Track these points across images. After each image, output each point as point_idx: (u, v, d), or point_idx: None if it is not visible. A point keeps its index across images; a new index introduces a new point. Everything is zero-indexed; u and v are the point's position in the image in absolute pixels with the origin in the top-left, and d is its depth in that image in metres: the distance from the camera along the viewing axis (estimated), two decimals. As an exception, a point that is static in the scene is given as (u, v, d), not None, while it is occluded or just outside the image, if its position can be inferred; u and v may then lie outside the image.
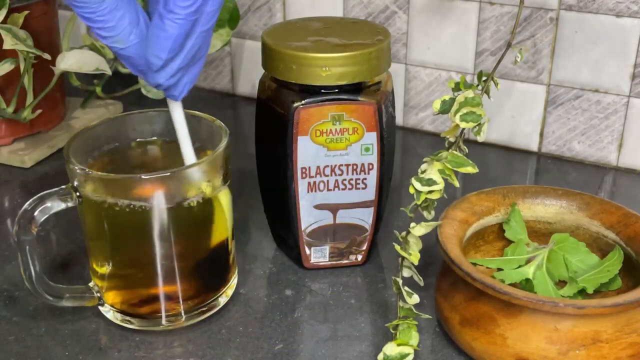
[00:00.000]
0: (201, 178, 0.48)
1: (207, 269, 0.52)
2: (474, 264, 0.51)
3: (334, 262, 0.57)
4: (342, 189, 0.53)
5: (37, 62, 0.68)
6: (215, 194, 0.49)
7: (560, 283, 0.52)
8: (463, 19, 0.72)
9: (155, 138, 0.54)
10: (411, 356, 0.47)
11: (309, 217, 0.54)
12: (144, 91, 0.81)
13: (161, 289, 0.50)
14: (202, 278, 0.51)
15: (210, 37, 0.45)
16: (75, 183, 0.47)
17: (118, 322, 0.51)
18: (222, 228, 0.51)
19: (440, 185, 0.48)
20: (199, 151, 0.51)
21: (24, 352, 0.49)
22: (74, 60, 0.68)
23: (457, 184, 0.48)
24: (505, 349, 0.45)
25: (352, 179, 0.53)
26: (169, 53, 0.43)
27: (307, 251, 0.56)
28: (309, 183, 0.53)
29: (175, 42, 0.42)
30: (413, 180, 0.48)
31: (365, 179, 0.53)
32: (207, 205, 0.49)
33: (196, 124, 0.52)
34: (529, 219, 0.55)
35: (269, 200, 0.58)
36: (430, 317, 0.50)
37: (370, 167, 0.53)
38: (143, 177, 0.47)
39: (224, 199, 0.51)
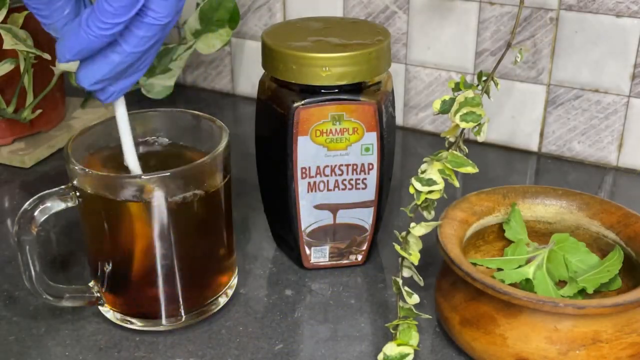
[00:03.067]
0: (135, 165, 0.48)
1: (207, 269, 0.52)
2: (474, 264, 0.51)
3: (334, 262, 0.57)
4: (342, 189, 0.53)
5: (37, 62, 0.68)
6: (215, 193, 0.49)
7: (560, 283, 0.52)
8: (463, 19, 0.72)
9: (155, 138, 0.54)
10: (411, 356, 0.47)
11: (309, 217, 0.54)
12: (144, 91, 0.81)
13: (161, 289, 0.50)
14: (202, 278, 0.51)
15: (151, 58, 0.45)
16: (75, 183, 0.48)
17: (118, 322, 0.51)
18: (222, 227, 0.51)
19: (440, 185, 0.48)
20: (199, 151, 0.51)
21: (24, 352, 0.49)
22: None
23: (457, 184, 0.48)
24: (505, 349, 0.45)
25: (352, 179, 0.53)
26: (74, 56, 0.42)
27: (307, 251, 0.56)
28: (309, 183, 0.53)
29: (82, 52, 0.42)
30: (413, 180, 0.48)
31: (365, 179, 0.53)
32: (207, 205, 0.49)
33: (196, 124, 0.53)
34: (529, 219, 0.55)
35: (269, 200, 0.58)
36: (430, 317, 0.50)
37: (370, 167, 0.53)
38: (143, 177, 0.47)
39: (224, 198, 0.51)
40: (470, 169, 0.48)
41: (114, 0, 0.40)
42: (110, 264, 0.50)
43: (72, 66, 0.68)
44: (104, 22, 0.41)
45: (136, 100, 0.81)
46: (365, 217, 0.55)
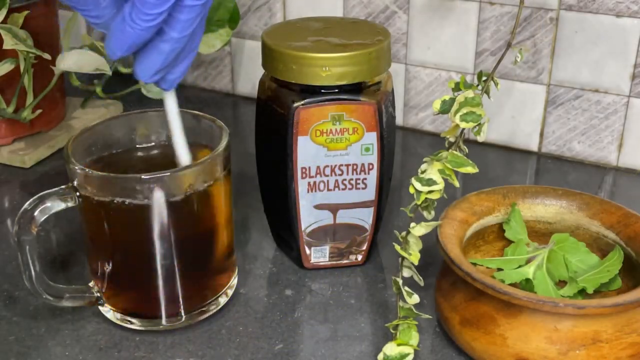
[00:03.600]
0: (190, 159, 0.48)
1: (206, 269, 0.52)
2: (474, 264, 0.51)
3: (334, 262, 0.57)
4: (342, 189, 0.53)
5: (37, 62, 0.68)
6: (215, 193, 0.49)
7: (560, 283, 0.52)
8: (463, 19, 0.72)
9: (155, 137, 0.54)
10: (411, 356, 0.47)
11: (309, 217, 0.54)
12: (144, 91, 0.81)
13: (161, 289, 0.50)
14: (202, 277, 0.51)
15: (200, 37, 0.45)
16: (75, 183, 0.48)
17: (118, 322, 0.51)
18: (222, 228, 0.51)
19: (440, 185, 0.48)
20: (196, 147, 0.51)
21: (24, 352, 0.49)
22: (73, 60, 0.68)
23: (457, 184, 0.48)
24: (505, 349, 0.45)
25: (352, 179, 0.53)
26: (125, 52, 0.43)
27: (307, 251, 0.56)
28: (309, 183, 0.53)
29: (132, 46, 0.43)
30: (413, 180, 0.48)
31: (365, 179, 0.53)
32: (207, 205, 0.49)
33: (196, 124, 0.53)
34: (529, 219, 0.55)
35: (269, 200, 0.58)
36: (430, 317, 0.50)
37: (370, 167, 0.53)
38: (143, 177, 0.47)
39: (224, 198, 0.51)
40: (470, 169, 0.48)
41: None
42: (110, 264, 0.50)
43: (72, 66, 0.68)
44: (147, 14, 0.41)
45: (136, 100, 0.81)
46: (365, 217, 0.55)
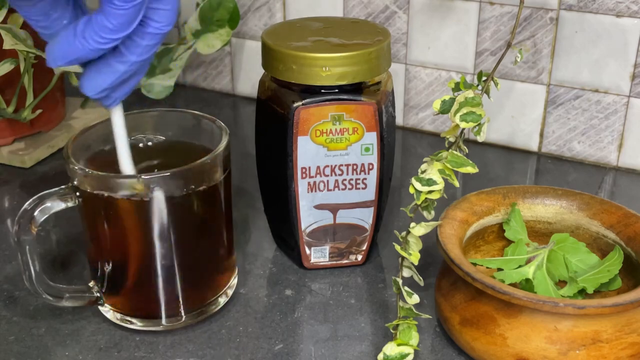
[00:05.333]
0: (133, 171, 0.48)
1: (206, 269, 0.52)
2: (474, 264, 0.51)
3: (334, 262, 0.57)
4: (342, 189, 0.53)
5: (37, 62, 0.68)
6: (215, 193, 0.49)
7: (560, 283, 0.52)
8: (463, 19, 0.72)
9: (155, 137, 0.54)
10: (411, 356, 0.47)
11: (309, 217, 0.54)
12: (144, 91, 0.81)
13: (161, 289, 0.50)
14: (202, 277, 0.51)
15: (150, 61, 0.44)
16: (75, 183, 0.48)
17: (118, 322, 0.51)
18: (222, 228, 0.51)
19: (440, 185, 0.48)
20: (199, 151, 0.51)
21: (24, 352, 0.49)
22: (73, 60, 0.68)
23: (457, 184, 0.48)
24: (505, 349, 0.45)
25: (352, 179, 0.53)
26: (67, 64, 0.42)
27: (307, 251, 0.56)
28: (309, 183, 0.53)
29: (77, 60, 0.42)
30: (413, 180, 0.48)
31: (365, 179, 0.53)
32: (207, 205, 0.49)
33: (196, 124, 0.53)
34: (529, 219, 0.55)
35: (269, 200, 0.58)
36: (430, 317, 0.50)
37: (370, 167, 0.53)
38: (143, 177, 0.47)
39: (224, 198, 0.51)
40: (470, 169, 0.48)
41: (113, 18, 0.39)
42: (110, 264, 0.50)
43: (71, 66, 0.68)
44: (102, 37, 0.40)
45: (136, 100, 0.81)
46: (365, 217, 0.55)
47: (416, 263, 0.48)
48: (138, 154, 0.53)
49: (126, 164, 0.48)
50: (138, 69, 0.44)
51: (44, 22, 0.42)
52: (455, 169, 0.48)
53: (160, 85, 0.81)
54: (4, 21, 0.64)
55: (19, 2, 0.41)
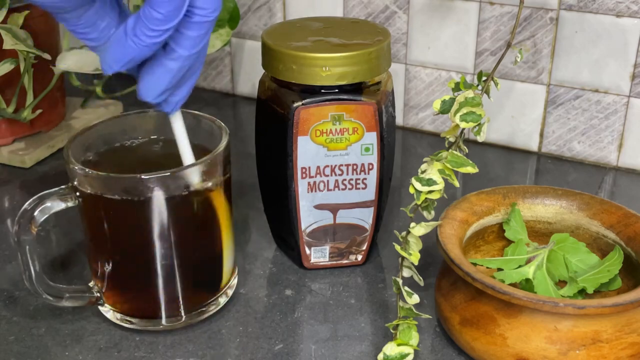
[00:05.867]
0: (199, 179, 0.48)
1: (207, 269, 0.52)
2: (474, 264, 0.51)
3: (334, 262, 0.57)
4: (342, 189, 0.53)
5: (37, 62, 0.68)
6: (215, 193, 0.49)
7: (560, 283, 0.52)
8: (463, 19, 0.72)
9: (155, 137, 0.54)
10: (411, 356, 0.47)
11: (309, 217, 0.54)
12: (144, 91, 0.81)
13: (161, 289, 0.50)
14: (202, 277, 0.51)
15: (204, 56, 0.44)
16: (75, 183, 0.48)
17: (118, 322, 0.51)
18: (222, 227, 0.51)
19: (440, 185, 0.48)
20: (199, 151, 0.51)
21: (24, 352, 0.49)
22: (73, 60, 0.68)
23: (457, 184, 0.48)
24: (505, 349, 0.45)
25: (352, 179, 0.53)
26: (122, 67, 0.41)
27: (307, 251, 0.56)
28: (309, 183, 0.53)
29: (132, 62, 0.41)
30: (413, 180, 0.48)
31: (365, 179, 0.53)
32: (207, 205, 0.49)
33: (196, 124, 0.53)
34: (529, 219, 0.55)
35: (269, 200, 0.58)
36: (430, 317, 0.50)
37: (370, 167, 0.53)
38: (143, 177, 0.47)
39: (224, 198, 0.51)
40: (470, 169, 0.48)
41: (162, 5, 0.38)
42: (110, 264, 0.50)
43: (71, 66, 0.68)
44: (154, 30, 0.39)
45: (136, 100, 0.81)
46: (365, 217, 0.55)
47: (416, 263, 0.48)
48: (137, 154, 0.53)
49: (194, 175, 0.48)
50: (191, 65, 0.43)
51: (93, 33, 0.42)
52: (455, 169, 0.48)
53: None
54: (4, 21, 0.64)
55: (63, 14, 0.41)
